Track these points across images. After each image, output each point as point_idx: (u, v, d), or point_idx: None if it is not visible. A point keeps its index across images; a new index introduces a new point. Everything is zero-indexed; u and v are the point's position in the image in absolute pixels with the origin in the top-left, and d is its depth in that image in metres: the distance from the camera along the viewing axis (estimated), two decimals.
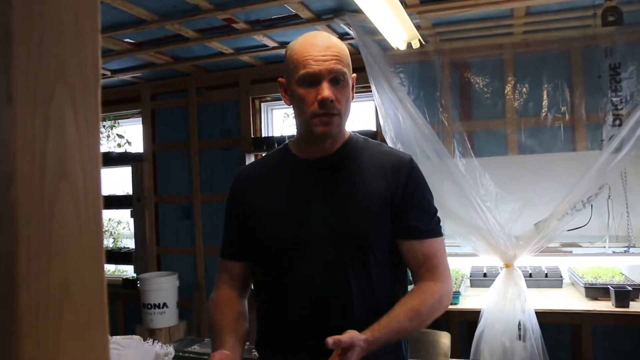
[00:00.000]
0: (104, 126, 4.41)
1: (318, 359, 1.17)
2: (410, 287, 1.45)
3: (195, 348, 2.05)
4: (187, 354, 1.97)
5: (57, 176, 0.40)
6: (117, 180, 4.85)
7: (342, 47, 1.30)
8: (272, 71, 3.84)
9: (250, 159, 3.97)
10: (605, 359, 3.00)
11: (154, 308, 3.74)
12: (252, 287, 1.46)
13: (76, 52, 0.42)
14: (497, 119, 3.41)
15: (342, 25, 2.89)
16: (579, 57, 3.24)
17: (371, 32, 2.88)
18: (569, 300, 2.84)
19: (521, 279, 2.80)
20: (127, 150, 4.44)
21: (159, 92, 4.28)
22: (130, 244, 5.07)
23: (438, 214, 1.39)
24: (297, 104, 1.30)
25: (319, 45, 1.26)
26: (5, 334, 0.37)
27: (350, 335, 1.12)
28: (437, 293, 1.30)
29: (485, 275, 3.20)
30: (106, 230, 5.56)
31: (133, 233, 4.47)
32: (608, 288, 2.71)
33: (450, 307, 1.37)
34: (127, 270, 4.94)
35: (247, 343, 2.05)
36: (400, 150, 2.07)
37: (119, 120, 4.54)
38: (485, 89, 3.43)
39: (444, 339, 2.04)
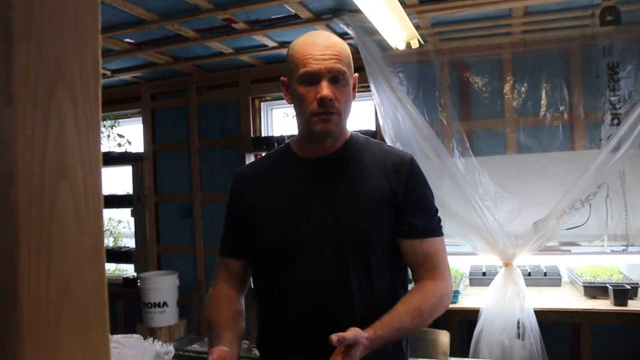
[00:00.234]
0: (104, 126, 4.41)
1: (318, 357, 1.17)
2: (410, 287, 1.45)
3: (195, 347, 2.05)
4: (187, 353, 1.98)
5: (57, 176, 0.40)
6: (117, 180, 4.86)
7: (343, 47, 1.30)
8: (272, 71, 3.84)
9: (250, 158, 3.97)
10: (604, 357, 3.01)
11: (154, 307, 3.74)
12: (252, 286, 1.46)
13: (76, 51, 0.42)
14: (496, 119, 3.42)
15: (341, 25, 2.89)
16: (577, 57, 3.25)
17: (370, 32, 2.89)
18: (568, 299, 2.84)
19: (520, 278, 2.81)
20: (128, 150, 4.44)
21: (159, 91, 4.29)
22: (130, 243, 5.08)
23: (438, 214, 1.40)
24: (297, 102, 1.31)
25: (319, 44, 1.27)
26: (6, 333, 0.38)
27: (354, 332, 1.12)
28: (438, 292, 1.30)
29: (484, 274, 3.20)
30: (106, 230, 5.57)
31: (133, 232, 4.47)
32: (606, 287, 2.71)
33: (450, 306, 1.37)
34: (128, 270, 4.95)
35: (247, 342, 2.07)
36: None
37: (119, 120, 4.54)
38: (484, 89, 3.43)
39: (443, 337, 2.05)
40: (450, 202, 2.85)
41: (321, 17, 2.93)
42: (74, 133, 0.41)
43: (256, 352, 1.95)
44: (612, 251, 3.07)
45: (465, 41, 3.38)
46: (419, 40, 2.95)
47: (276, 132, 4.21)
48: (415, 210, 1.33)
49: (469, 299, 2.97)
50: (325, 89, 1.24)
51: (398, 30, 2.75)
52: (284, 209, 1.35)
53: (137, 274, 4.20)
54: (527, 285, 2.84)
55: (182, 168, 4.21)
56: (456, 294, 2.88)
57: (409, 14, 2.67)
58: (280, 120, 4.27)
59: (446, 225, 2.64)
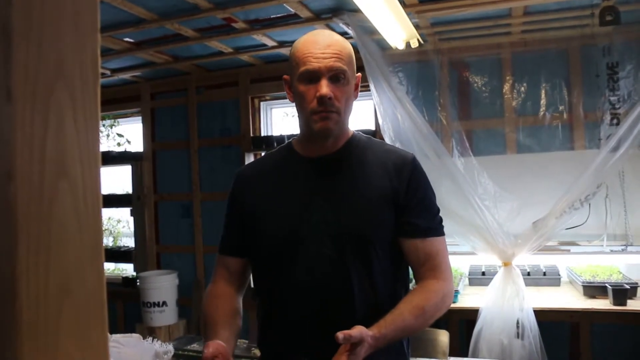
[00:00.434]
0: (103, 125, 4.41)
1: (319, 357, 1.17)
2: (411, 287, 1.45)
3: (195, 346, 2.05)
4: (186, 352, 1.98)
5: (56, 174, 0.40)
6: (117, 179, 4.85)
7: (345, 46, 1.30)
8: (272, 70, 3.84)
9: (249, 158, 3.97)
10: (603, 356, 3.01)
11: (154, 306, 3.74)
12: (253, 285, 1.46)
13: (75, 50, 0.42)
14: (496, 118, 3.42)
15: (341, 24, 2.89)
16: (577, 57, 3.25)
17: (370, 31, 2.89)
18: (567, 298, 2.84)
19: (519, 278, 2.81)
20: (127, 149, 4.44)
21: (159, 91, 4.28)
22: (130, 242, 5.08)
23: (439, 213, 1.40)
24: (298, 100, 1.31)
25: (320, 43, 1.27)
26: (4, 332, 0.38)
27: (359, 330, 1.11)
28: (440, 291, 1.30)
29: (483, 273, 3.20)
30: (106, 229, 5.57)
31: (133, 232, 4.47)
32: (606, 286, 2.71)
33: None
34: (127, 269, 4.94)
35: (246, 341, 2.07)
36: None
37: (119, 119, 4.54)
38: (483, 88, 3.43)
39: (443, 337, 2.05)
40: (449, 201, 2.85)
41: (321, 17, 2.93)
42: (73, 132, 0.41)
43: (255, 351, 1.95)
44: (612, 251, 3.07)
45: (465, 41, 3.38)
46: (418, 39, 2.95)
47: (276, 131, 4.21)
48: (418, 210, 1.32)
49: (468, 298, 2.97)
50: (324, 88, 1.24)
51: (398, 30, 2.75)
52: (285, 208, 1.34)
53: (137, 273, 4.20)
54: (527, 284, 2.85)
55: (181, 167, 4.21)
56: (455, 293, 2.88)
57: (408, 14, 2.67)
58: (279, 120, 4.27)
59: (446, 225, 2.63)
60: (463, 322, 3.08)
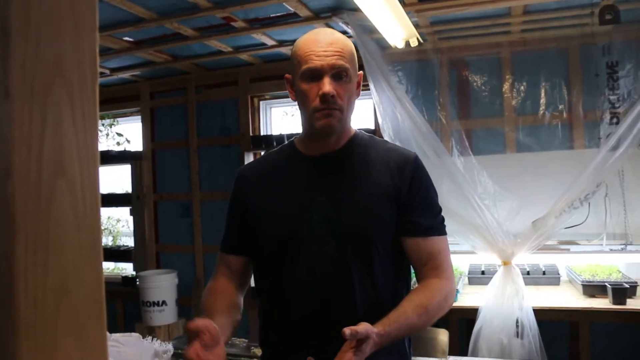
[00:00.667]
0: (103, 124, 4.41)
1: (320, 357, 1.17)
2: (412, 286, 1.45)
3: None
4: None
5: (54, 173, 0.40)
6: (116, 179, 4.85)
7: (346, 44, 1.30)
8: (271, 69, 3.84)
9: (249, 157, 3.97)
10: (603, 355, 3.01)
11: (153, 306, 3.74)
12: (254, 285, 1.46)
13: (74, 47, 0.42)
14: (495, 117, 3.41)
15: (340, 23, 2.89)
16: (576, 56, 3.24)
17: (369, 30, 2.89)
18: (567, 297, 2.84)
19: (519, 277, 2.81)
20: (126, 149, 4.44)
21: (158, 90, 4.28)
22: (129, 242, 5.08)
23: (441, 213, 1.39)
24: (301, 99, 1.31)
25: (321, 41, 1.27)
26: (2, 331, 0.38)
27: (365, 326, 1.11)
28: (443, 290, 1.30)
29: (483, 272, 3.20)
30: (105, 229, 5.57)
31: (132, 231, 4.47)
32: (605, 285, 2.71)
33: None
34: (127, 268, 4.95)
35: (246, 341, 2.07)
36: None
37: (118, 119, 4.54)
38: (483, 88, 3.43)
39: (443, 336, 2.05)
40: (449, 201, 2.85)
41: (320, 16, 2.93)
42: (71, 130, 0.41)
43: (255, 351, 1.95)
44: (611, 250, 3.07)
45: (465, 40, 3.38)
46: (418, 38, 2.95)
47: (275, 130, 4.21)
48: (420, 209, 1.32)
49: (467, 297, 2.97)
50: (327, 86, 1.24)
51: (397, 29, 2.74)
52: (286, 207, 1.34)
53: (136, 272, 4.20)
54: (526, 284, 2.85)
55: (181, 167, 4.21)
56: (455, 292, 2.88)
57: (408, 13, 2.67)
58: (279, 119, 4.27)
59: (445, 224, 2.65)
60: (463, 321, 3.08)
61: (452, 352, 2.14)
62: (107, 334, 1.32)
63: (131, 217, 4.43)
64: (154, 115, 4.32)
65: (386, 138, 3.02)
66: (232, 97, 4.04)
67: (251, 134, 3.99)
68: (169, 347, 1.70)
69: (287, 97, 3.95)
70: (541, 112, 3.30)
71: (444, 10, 2.78)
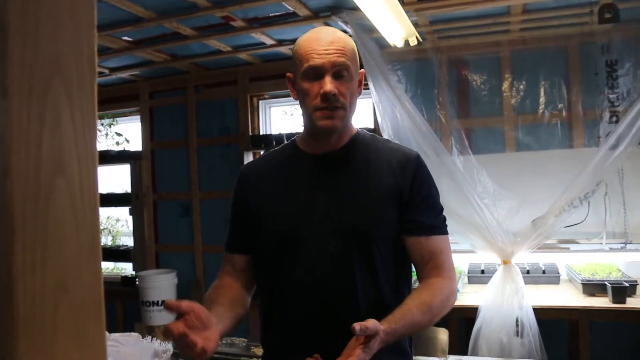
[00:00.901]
0: (102, 124, 4.41)
1: (321, 356, 1.17)
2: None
3: None
4: None
5: (52, 171, 0.40)
6: (115, 178, 4.85)
7: (347, 42, 1.30)
8: (270, 69, 3.84)
9: (248, 157, 3.97)
10: (602, 354, 3.01)
11: (153, 305, 3.74)
12: (255, 284, 1.45)
13: (72, 45, 0.41)
14: (495, 117, 3.41)
15: (339, 22, 2.88)
16: (576, 54, 3.24)
17: (369, 29, 2.88)
18: (567, 296, 2.84)
19: (519, 276, 2.81)
20: (126, 149, 4.44)
21: (157, 90, 4.28)
22: (129, 241, 5.07)
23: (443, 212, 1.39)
24: (302, 97, 1.31)
25: (322, 40, 1.27)
26: (1, 329, 0.37)
27: (374, 322, 1.10)
28: (446, 289, 1.29)
29: (482, 272, 3.20)
30: (105, 228, 5.57)
31: (132, 231, 4.46)
32: (605, 284, 2.71)
33: None
34: (126, 268, 4.94)
35: (246, 340, 2.06)
36: None
37: (118, 119, 4.54)
38: (482, 87, 3.43)
39: (442, 335, 2.05)
40: (448, 200, 2.85)
41: (319, 15, 2.93)
42: (69, 128, 0.41)
43: (255, 350, 1.95)
44: (611, 249, 3.07)
45: (464, 39, 3.38)
46: (417, 37, 2.94)
47: (274, 130, 4.21)
48: (422, 208, 1.32)
49: (467, 296, 2.97)
50: (328, 84, 1.24)
51: (396, 28, 2.74)
52: (286, 207, 1.34)
53: (136, 272, 4.19)
54: (526, 283, 2.85)
55: (180, 166, 4.20)
56: (456, 292, 2.87)
57: (407, 12, 2.66)
58: (278, 119, 4.27)
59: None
60: (462, 321, 3.08)
61: (452, 351, 2.14)
62: (107, 333, 1.31)
63: (130, 217, 4.43)
64: (153, 115, 4.32)
65: (385, 137, 3.01)
66: (231, 97, 4.04)
67: (250, 134, 3.98)
68: (169, 346, 1.70)
69: (286, 96, 3.98)
70: (540, 111, 3.30)
71: (443, 9, 2.78)
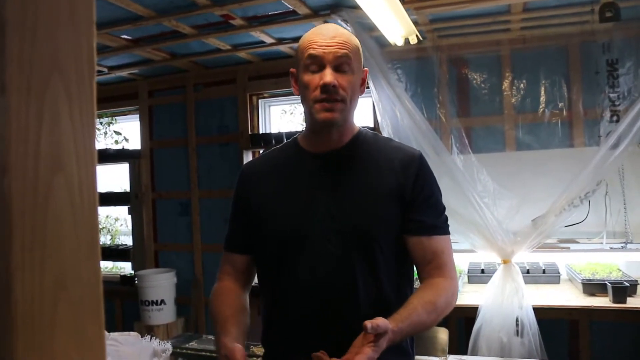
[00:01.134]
0: (101, 123, 4.41)
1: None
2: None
3: (193, 344, 2.05)
4: (184, 350, 1.97)
5: (51, 168, 0.39)
6: (114, 177, 4.85)
7: (350, 38, 1.30)
8: (270, 68, 3.84)
9: (247, 155, 3.97)
10: (603, 354, 3.01)
11: (152, 305, 3.74)
12: (255, 283, 1.46)
13: (71, 42, 0.41)
14: (495, 115, 3.41)
15: (339, 21, 2.88)
16: (576, 53, 3.24)
17: (368, 28, 2.88)
18: (567, 296, 2.84)
19: (519, 275, 2.80)
20: (125, 147, 4.44)
21: (157, 88, 4.27)
22: (128, 241, 5.07)
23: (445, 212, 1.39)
24: (303, 91, 1.30)
25: (325, 34, 1.27)
26: None
27: (384, 321, 1.10)
28: (449, 289, 1.29)
29: (482, 271, 3.20)
30: (104, 227, 5.56)
31: (131, 230, 4.46)
32: (605, 284, 2.71)
33: None
34: (125, 267, 4.94)
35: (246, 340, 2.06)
36: None
37: (116, 117, 4.54)
38: (482, 85, 3.42)
39: (442, 334, 2.05)
40: (448, 199, 2.81)
41: (319, 13, 2.92)
42: (68, 126, 0.41)
43: (254, 350, 1.95)
44: (611, 248, 3.07)
45: (464, 37, 3.38)
46: (417, 36, 2.94)
47: (274, 129, 4.20)
48: (424, 207, 1.32)
49: (467, 296, 2.97)
50: (328, 75, 1.23)
51: (396, 27, 2.74)
52: (288, 206, 1.33)
53: (135, 271, 4.19)
54: (526, 282, 2.84)
55: (179, 165, 4.20)
56: (458, 292, 2.87)
57: (407, 10, 2.66)
58: (278, 117, 4.27)
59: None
60: (462, 320, 3.08)
61: (451, 351, 2.13)
62: (106, 333, 1.31)
63: (129, 216, 4.43)
64: (153, 114, 4.32)
65: (385, 136, 3.01)
66: (230, 95, 4.04)
67: (250, 132, 3.98)
68: (168, 346, 1.70)
69: (285, 95, 3.98)
70: (541, 110, 3.30)
71: (443, 7, 2.77)
